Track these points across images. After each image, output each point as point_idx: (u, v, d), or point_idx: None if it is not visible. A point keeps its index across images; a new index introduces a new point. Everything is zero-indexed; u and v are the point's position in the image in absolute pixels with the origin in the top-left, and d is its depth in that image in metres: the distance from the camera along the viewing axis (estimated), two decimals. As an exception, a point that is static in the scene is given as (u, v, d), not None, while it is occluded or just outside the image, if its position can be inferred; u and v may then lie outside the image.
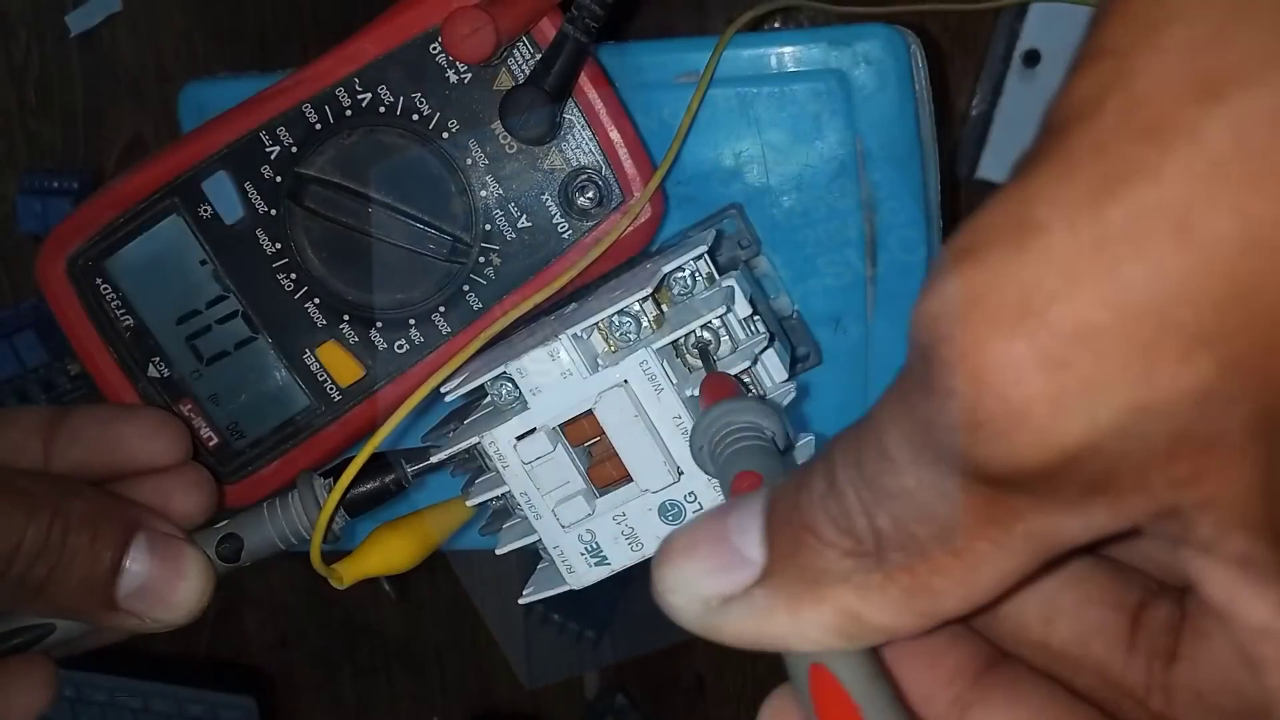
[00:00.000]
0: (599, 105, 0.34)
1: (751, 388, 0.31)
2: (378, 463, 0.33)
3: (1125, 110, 0.13)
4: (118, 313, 0.36)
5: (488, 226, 0.34)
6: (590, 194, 0.34)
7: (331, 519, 0.32)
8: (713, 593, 0.17)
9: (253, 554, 0.32)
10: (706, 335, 0.30)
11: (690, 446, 0.25)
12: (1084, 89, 0.13)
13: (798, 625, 0.16)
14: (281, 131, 0.34)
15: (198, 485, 0.32)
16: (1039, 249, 0.13)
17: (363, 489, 0.32)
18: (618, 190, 0.34)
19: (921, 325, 0.14)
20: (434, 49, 0.33)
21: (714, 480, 0.29)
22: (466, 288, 0.35)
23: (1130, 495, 0.14)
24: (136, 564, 0.29)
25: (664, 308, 0.31)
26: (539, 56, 0.33)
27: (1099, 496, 0.14)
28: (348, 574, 0.32)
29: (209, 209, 0.35)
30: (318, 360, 0.36)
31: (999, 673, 0.18)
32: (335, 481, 0.32)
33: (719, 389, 0.27)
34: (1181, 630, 0.17)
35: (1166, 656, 0.17)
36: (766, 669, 0.62)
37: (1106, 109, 0.13)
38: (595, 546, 0.30)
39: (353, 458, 0.32)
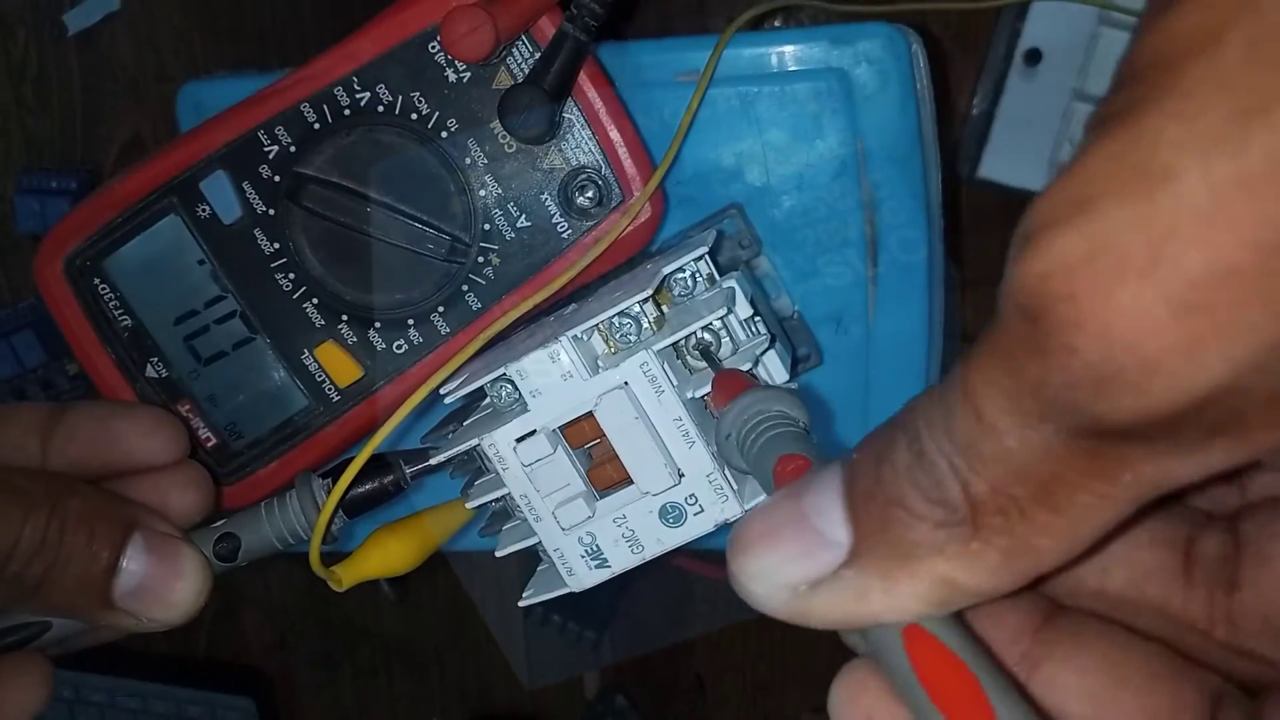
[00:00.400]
0: (599, 104, 0.33)
1: (752, 388, 0.31)
2: (377, 464, 0.32)
3: (1253, 40, 0.12)
4: (116, 313, 0.36)
5: (487, 226, 0.34)
6: (590, 193, 0.34)
7: (330, 520, 0.31)
8: (800, 578, 0.17)
9: (250, 554, 0.32)
10: (707, 336, 0.30)
11: (716, 437, 0.25)
12: (1190, 24, 0.13)
13: (892, 601, 0.16)
14: (280, 131, 0.34)
15: (195, 484, 0.32)
16: (1169, 195, 0.12)
17: (361, 490, 0.32)
18: (617, 190, 0.34)
19: (1028, 287, 0.14)
20: (433, 48, 0.33)
21: (714, 481, 0.29)
22: (465, 288, 0.34)
23: (1255, 432, 0.14)
24: (133, 563, 0.29)
25: (664, 309, 0.31)
26: (538, 55, 0.33)
27: (1221, 436, 0.14)
28: (347, 576, 0.32)
29: (207, 209, 0.35)
30: (316, 361, 0.36)
31: (1059, 625, 0.18)
32: (334, 482, 0.32)
33: (734, 384, 0.26)
34: (1239, 559, 0.17)
35: (1227, 586, 0.17)
36: (767, 669, 0.62)
37: (1228, 41, 0.12)
38: (596, 549, 0.30)
39: (352, 458, 0.31)
